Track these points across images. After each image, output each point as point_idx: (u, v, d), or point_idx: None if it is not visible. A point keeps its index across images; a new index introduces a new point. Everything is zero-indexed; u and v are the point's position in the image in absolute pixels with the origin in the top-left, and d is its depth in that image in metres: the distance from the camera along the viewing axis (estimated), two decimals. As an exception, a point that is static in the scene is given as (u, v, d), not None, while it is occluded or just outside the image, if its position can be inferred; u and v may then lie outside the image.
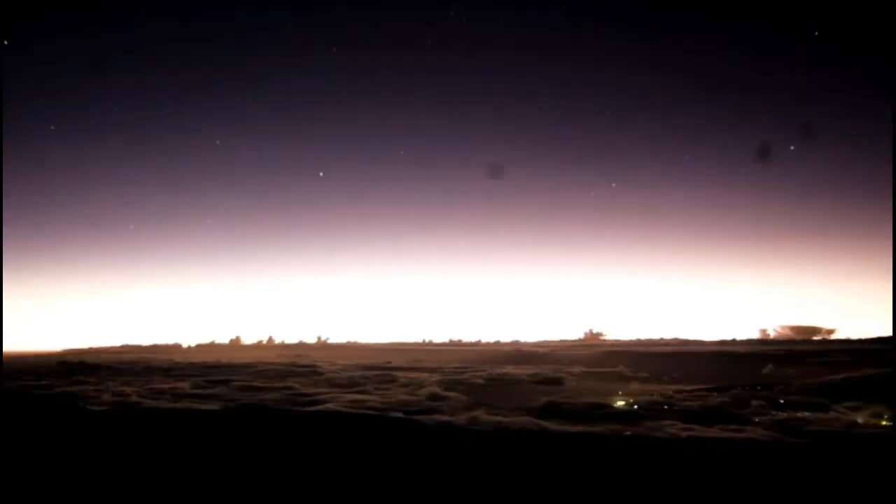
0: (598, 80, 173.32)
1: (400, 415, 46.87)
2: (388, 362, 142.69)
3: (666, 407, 59.67)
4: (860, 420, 50.00)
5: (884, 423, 48.20)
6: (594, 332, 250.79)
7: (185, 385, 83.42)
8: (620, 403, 63.47)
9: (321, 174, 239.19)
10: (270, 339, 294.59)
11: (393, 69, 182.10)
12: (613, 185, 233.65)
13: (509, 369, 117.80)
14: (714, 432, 46.33)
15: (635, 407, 60.99)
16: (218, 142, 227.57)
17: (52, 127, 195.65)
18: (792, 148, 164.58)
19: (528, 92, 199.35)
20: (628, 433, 41.50)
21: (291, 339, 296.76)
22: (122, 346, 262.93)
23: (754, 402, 59.37)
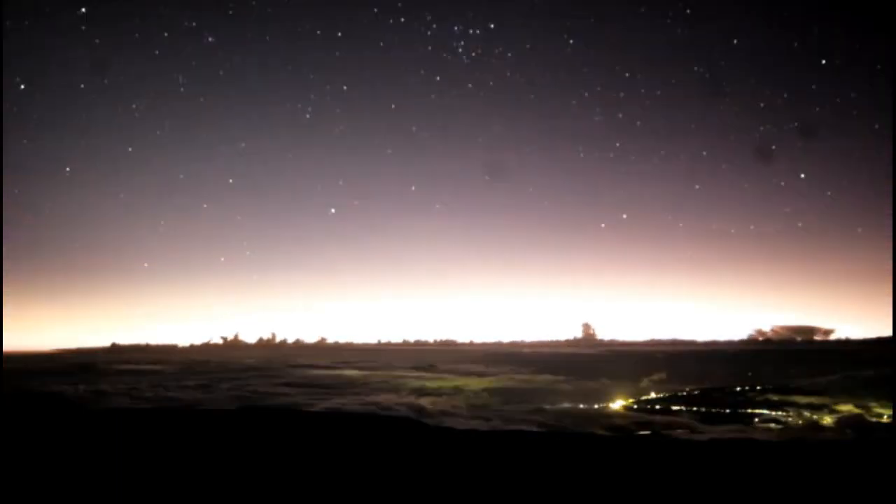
0: (606, 107, 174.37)
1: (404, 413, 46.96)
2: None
3: (661, 408, 59.74)
4: (860, 421, 50.05)
5: (884, 423, 48.24)
6: (591, 330, 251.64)
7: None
8: (619, 404, 63.54)
9: (332, 210, 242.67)
10: (273, 337, 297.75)
11: (400, 104, 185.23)
12: (624, 216, 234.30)
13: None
14: (712, 433, 46.36)
15: (634, 407, 61.10)
16: (231, 180, 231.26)
17: (68, 169, 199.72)
18: (802, 175, 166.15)
19: (535, 124, 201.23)
20: (626, 434, 41.51)
21: (291, 339, 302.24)
22: (112, 346, 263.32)
23: (752, 403, 59.40)
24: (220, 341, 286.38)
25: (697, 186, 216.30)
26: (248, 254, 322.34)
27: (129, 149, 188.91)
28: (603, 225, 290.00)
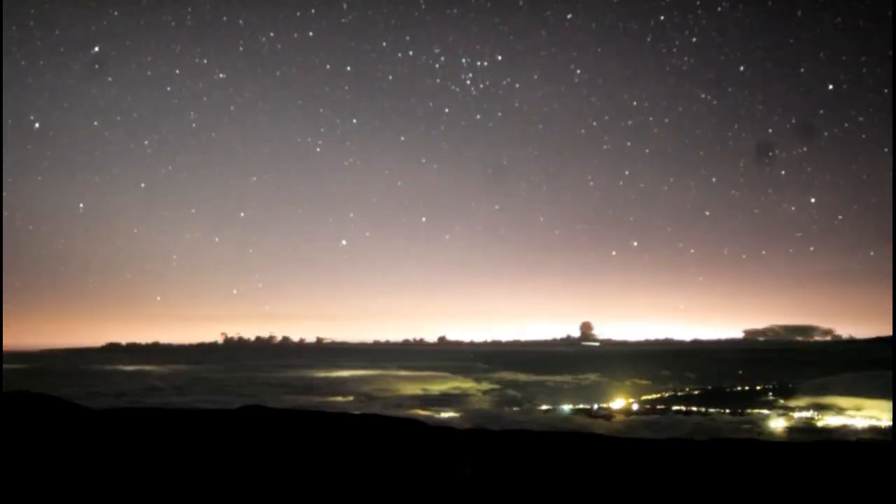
0: (614, 136, 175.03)
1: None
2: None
3: (662, 408, 59.78)
4: (859, 420, 50.07)
5: (883, 422, 48.25)
6: (591, 329, 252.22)
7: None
8: (620, 403, 63.59)
9: (343, 242, 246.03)
10: (271, 337, 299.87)
11: (409, 136, 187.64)
12: (635, 243, 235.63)
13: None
14: (711, 433, 46.39)
15: (635, 407, 61.16)
16: (242, 214, 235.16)
17: (81, 205, 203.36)
18: (812, 200, 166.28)
19: (543, 153, 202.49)
20: (627, 434, 41.53)
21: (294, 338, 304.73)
22: (107, 345, 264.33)
23: (752, 403, 59.42)
24: (220, 338, 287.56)
25: (707, 213, 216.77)
26: (259, 286, 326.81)
27: (142, 184, 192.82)
28: (614, 252, 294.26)
